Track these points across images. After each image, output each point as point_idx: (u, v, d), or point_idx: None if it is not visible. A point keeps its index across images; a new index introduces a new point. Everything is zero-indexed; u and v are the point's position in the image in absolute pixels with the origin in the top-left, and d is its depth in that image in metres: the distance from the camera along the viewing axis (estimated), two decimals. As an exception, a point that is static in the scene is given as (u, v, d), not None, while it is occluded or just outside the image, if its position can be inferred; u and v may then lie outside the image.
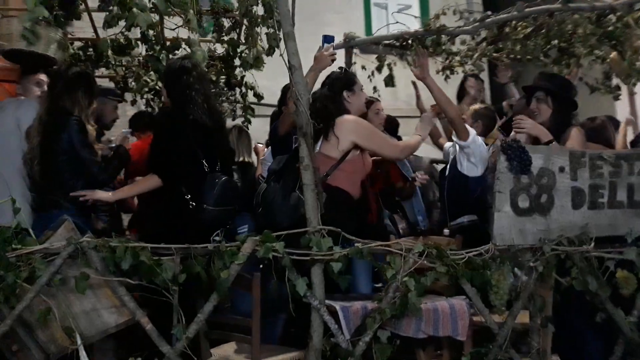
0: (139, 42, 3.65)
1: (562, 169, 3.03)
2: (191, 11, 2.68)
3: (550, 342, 3.08)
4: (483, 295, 2.87)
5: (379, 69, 5.35)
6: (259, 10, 3.32)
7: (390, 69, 5.34)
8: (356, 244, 2.69)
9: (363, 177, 3.28)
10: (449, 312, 2.85)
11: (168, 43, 3.66)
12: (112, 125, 4.26)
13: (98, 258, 2.37)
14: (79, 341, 2.38)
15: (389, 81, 5.28)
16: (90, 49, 3.90)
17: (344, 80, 3.33)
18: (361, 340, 2.65)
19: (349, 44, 5.36)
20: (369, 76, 5.12)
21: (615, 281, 3.08)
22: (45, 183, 3.09)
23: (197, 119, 2.98)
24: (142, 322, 2.41)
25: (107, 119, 4.14)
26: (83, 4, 3.39)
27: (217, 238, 2.50)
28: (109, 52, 3.87)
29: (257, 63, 3.48)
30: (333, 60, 3.15)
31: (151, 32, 3.54)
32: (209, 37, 3.95)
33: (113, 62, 3.92)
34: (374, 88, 5.15)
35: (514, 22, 4.97)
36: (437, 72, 5.70)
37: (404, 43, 5.27)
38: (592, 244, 2.91)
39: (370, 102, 3.96)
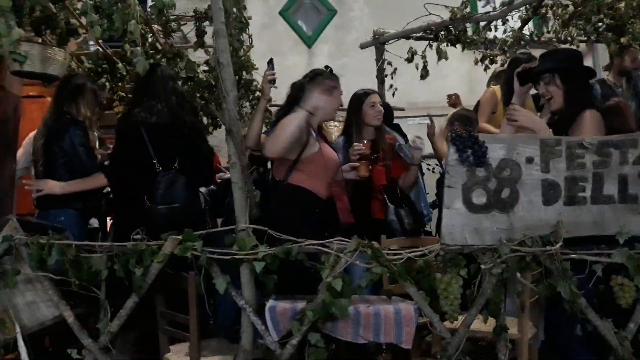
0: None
1: (530, 160, 2.68)
2: (133, 21, 2.77)
3: (527, 354, 2.75)
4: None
5: (409, 61, 5.16)
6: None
7: (425, 62, 5.13)
8: (287, 244, 2.61)
9: (330, 175, 3.17)
10: (393, 317, 2.63)
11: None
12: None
13: (28, 254, 2.54)
14: (17, 329, 2.56)
15: (425, 74, 5.08)
16: (105, 63, 4.17)
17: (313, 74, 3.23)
18: (289, 343, 2.56)
19: (379, 40, 5.25)
20: (391, 73, 4.96)
21: (602, 289, 2.69)
22: None
23: (146, 120, 3.06)
24: (65, 315, 2.53)
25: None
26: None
27: (137, 236, 2.54)
28: (121, 64, 4.11)
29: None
30: (272, 82, 3.04)
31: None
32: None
33: (124, 73, 4.15)
34: (390, 85, 4.98)
35: (550, 2, 4.55)
36: (476, 63, 5.36)
37: (437, 34, 5.05)
38: (559, 244, 2.54)
39: (365, 95, 3.80)
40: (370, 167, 3.40)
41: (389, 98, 5.14)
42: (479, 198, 2.65)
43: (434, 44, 5.12)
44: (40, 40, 3.46)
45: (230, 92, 2.63)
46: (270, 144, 2.99)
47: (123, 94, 4.58)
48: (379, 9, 8.25)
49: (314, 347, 2.57)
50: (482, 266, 2.56)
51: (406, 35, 5.25)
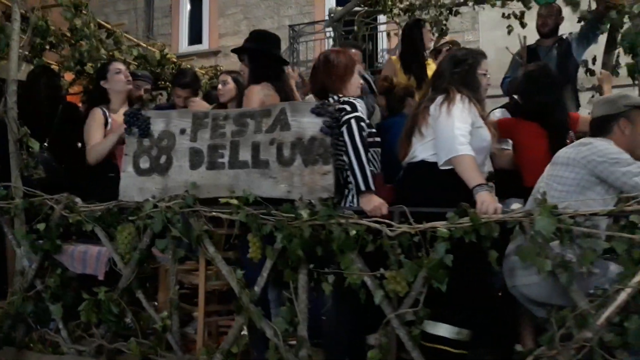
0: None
1: (183, 131, 3.14)
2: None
3: (202, 300, 3.22)
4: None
5: (356, 37, 5.46)
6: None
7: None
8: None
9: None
10: (96, 255, 3.41)
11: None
12: (136, 102, 4.38)
13: None
14: None
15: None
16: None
17: (99, 70, 4.05)
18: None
19: (334, 19, 5.65)
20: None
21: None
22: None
23: None
24: None
25: (132, 97, 4.31)
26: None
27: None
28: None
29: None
30: None
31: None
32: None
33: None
34: None
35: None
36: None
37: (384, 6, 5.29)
38: (173, 202, 2.99)
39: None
40: None
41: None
42: (144, 164, 3.23)
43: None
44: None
45: (11, 83, 3.67)
46: (90, 156, 3.79)
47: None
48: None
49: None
50: (130, 218, 3.16)
51: (350, 10, 5.50)
